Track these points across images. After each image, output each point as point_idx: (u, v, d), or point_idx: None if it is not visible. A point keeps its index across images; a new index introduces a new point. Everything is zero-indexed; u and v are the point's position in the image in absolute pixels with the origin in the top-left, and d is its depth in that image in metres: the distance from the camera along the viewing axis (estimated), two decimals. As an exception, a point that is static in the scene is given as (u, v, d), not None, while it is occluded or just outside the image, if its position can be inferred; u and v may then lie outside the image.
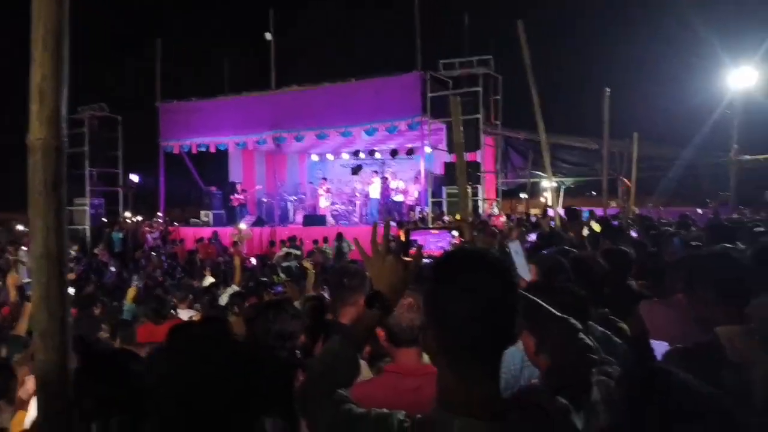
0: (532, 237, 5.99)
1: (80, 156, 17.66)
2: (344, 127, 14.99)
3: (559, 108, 20.10)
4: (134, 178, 20.76)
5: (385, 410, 1.29)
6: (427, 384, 1.60)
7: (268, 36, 18.04)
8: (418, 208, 16.26)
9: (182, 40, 22.63)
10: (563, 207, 9.71)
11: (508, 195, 19.72)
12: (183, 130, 17.52)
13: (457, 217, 12.02)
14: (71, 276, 7.96)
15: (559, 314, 1.52)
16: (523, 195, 20.29)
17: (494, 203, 16.63)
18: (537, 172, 18.15)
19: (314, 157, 20.19)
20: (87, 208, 17.72)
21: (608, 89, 10.57)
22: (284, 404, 1.89)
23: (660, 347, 2.61)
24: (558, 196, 18.89)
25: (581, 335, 1.48)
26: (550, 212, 10.24)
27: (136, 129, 19.27)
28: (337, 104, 15.10)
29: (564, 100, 21.08)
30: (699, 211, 11.57)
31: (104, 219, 18.26)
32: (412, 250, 1.52)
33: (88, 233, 17.40)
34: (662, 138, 19.12)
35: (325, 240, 13.54)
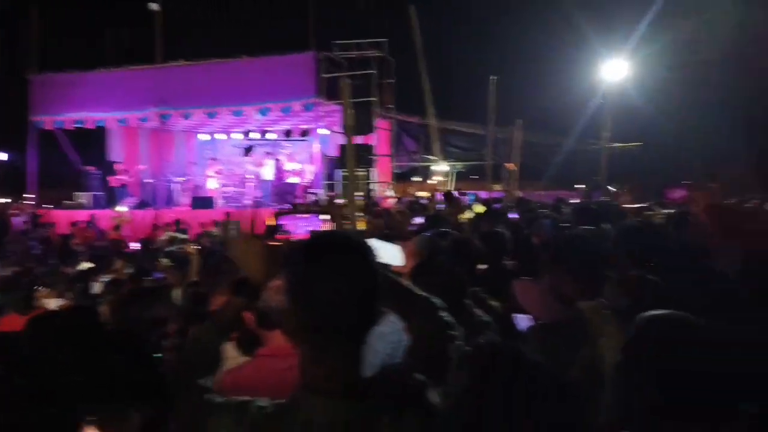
0: (419, 220, 6.13)
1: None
2: (235, 106, 14.50)
3: (451, 94, 20.63)
4: (0, 155, 18.89)
5: (246, 398, 1.27)
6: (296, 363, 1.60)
7: (154, 6, 17.00)
8: (312, 191, 16.15)
9: (58, 7, 20.63)
10: (451, 191, 10.04)
11: (402, 178, 20.09)
12: (57, 104, 16.11)
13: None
14: None
15: (420, 293, 1.56)
16: (416, 178, 20.74)
17: (388, 186, 16.86)
18: (429, 156, 18.61)
19: (203, 137, 19.35)
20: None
21: (494, 77, 10.99)
22: (152, 393, 1.82)
23: (523, 321, 2.77)
24: (449, 179, 19.56)
25: (441, 313, 1.53)
26: (438, 196, 10.56)
27: (4, 102, 17.49)
28: (228, 82, 14.56)
29: (455, 86, 21.64)
30: (571, 201, 12.41)
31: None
32: (282, 235, 1.50)
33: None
34: (546, 125, 20.25)
35: (215, 224, 13.08)
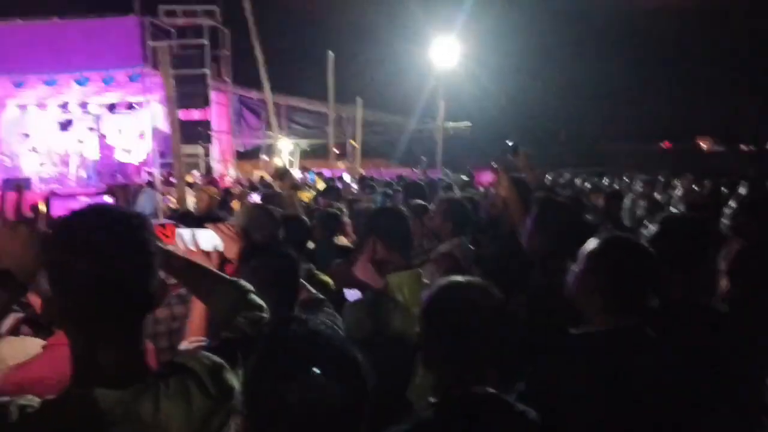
0: (255, 197, 5.99)
1: None
2: (47, 74, 12.91)
3: (292, 69, 20.36)
4: None
5: (6, 398, 1.12)
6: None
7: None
8: (145, 169, 15.08)
9: None
10: (285, 168, 9.97)
11: (247, 157, 19.51)
12: None
13: (188, 178, 11.46)
14: None
15: (224, 275, 1.51)
16: (263, 157, 20.31)
17: (229, 164, 16.28)
18: (271, 133, 18.26)
19: (12, 110, 17.07)
20: None
21: (331, 53, 10.99)
22: None
23: (352, 295, 2.82)
24: (294, 158, 19.40)
25: (249, 295, 1.49)
26: (294, 172, 10.43)
27: None
28: (39, 46, 12.85)
29: (296, 61, 21.39)
30: (411, 172, 12.92)
31: None
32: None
33: None
34: (387, 105, 20.82)
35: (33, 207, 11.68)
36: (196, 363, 1.20)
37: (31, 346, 1.95)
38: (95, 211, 1.17)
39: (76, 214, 1.15)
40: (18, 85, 13.37)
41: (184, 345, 1.79)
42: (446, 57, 18.27)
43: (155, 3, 13.99)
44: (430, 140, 19.79)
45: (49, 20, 13.17)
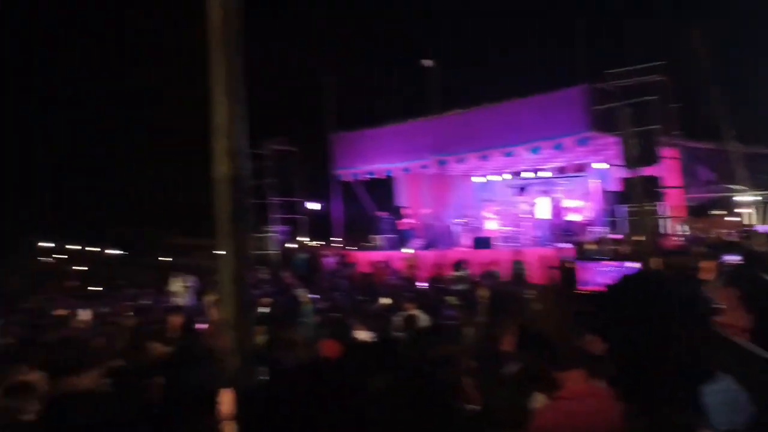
0: (732, 258, 5.30)
1: (265, 187, 19.33)
2: (506, 147, 14.70)
3: (752, 114, 17.79)
4: (313, 205, 21.99)
5: None
6: (598, 407, 1.51)
7: (428, 63, 18.49)
8: (592, 229, 15.36)
9: (347, 74, 23.85)
10: None
11: (695, 212, 17.81)
12: (352, 158, 18.38)
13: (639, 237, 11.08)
14: (266, 299, 8.66)
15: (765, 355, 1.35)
16: (714, 212, 18.23)
17: (682, 221, 15.06)
18: (732, 186, 16.18)
19: (478, 179, 20.06)
20: (274, 234, 19.26)
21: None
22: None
23: None
24: (759, 211, 16.71)
25: None
26: (760, 229, 9.06)
27: (312, 159, 20.55)
28: (499, 124, 14.88)
29: (757, 105, 18.60)
30: None
31: (288, 245, 19.68)
32: (586, 287, 1.44)
33: (275, 258, 18.77)
34: None
35: (494, 264, 13.25)
36: None
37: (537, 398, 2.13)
38: (648, 278, 1.19)
39: (627, 281, 1.19)
40: (483, 158, 15.64)
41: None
42: None
43: (599, 68, 14.41)
44: None
45: (508, 101, 15.06)
